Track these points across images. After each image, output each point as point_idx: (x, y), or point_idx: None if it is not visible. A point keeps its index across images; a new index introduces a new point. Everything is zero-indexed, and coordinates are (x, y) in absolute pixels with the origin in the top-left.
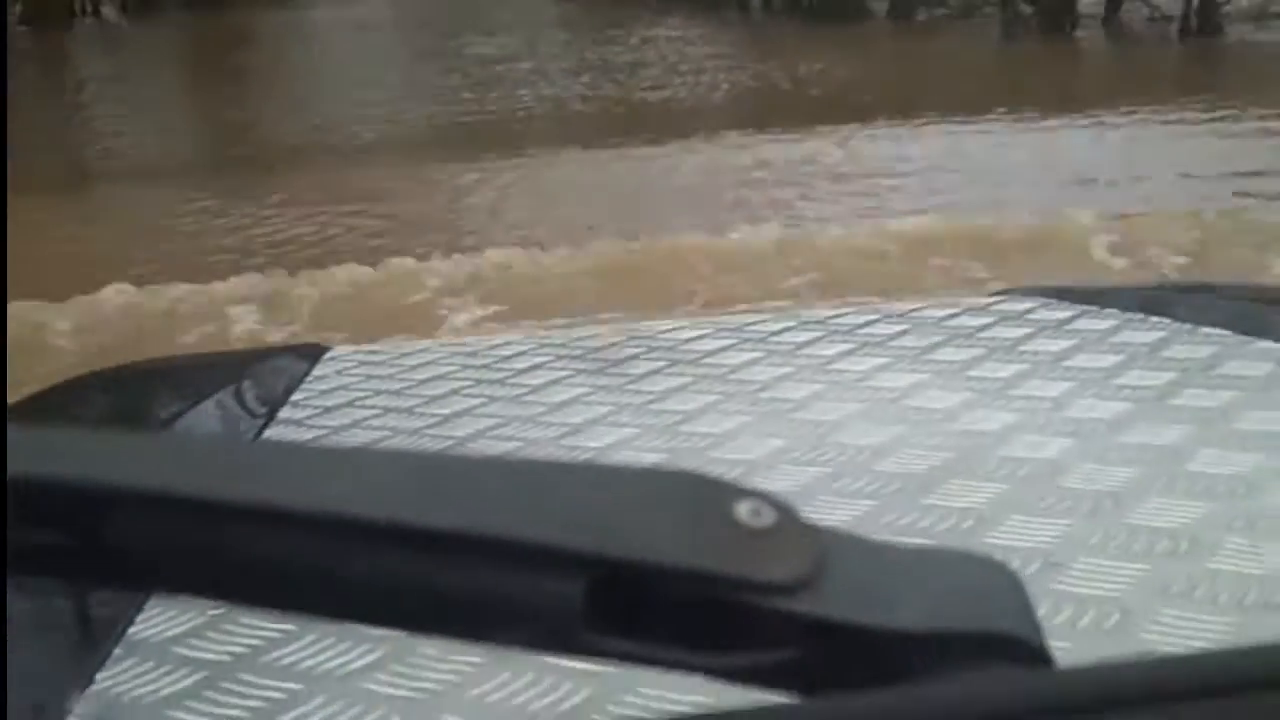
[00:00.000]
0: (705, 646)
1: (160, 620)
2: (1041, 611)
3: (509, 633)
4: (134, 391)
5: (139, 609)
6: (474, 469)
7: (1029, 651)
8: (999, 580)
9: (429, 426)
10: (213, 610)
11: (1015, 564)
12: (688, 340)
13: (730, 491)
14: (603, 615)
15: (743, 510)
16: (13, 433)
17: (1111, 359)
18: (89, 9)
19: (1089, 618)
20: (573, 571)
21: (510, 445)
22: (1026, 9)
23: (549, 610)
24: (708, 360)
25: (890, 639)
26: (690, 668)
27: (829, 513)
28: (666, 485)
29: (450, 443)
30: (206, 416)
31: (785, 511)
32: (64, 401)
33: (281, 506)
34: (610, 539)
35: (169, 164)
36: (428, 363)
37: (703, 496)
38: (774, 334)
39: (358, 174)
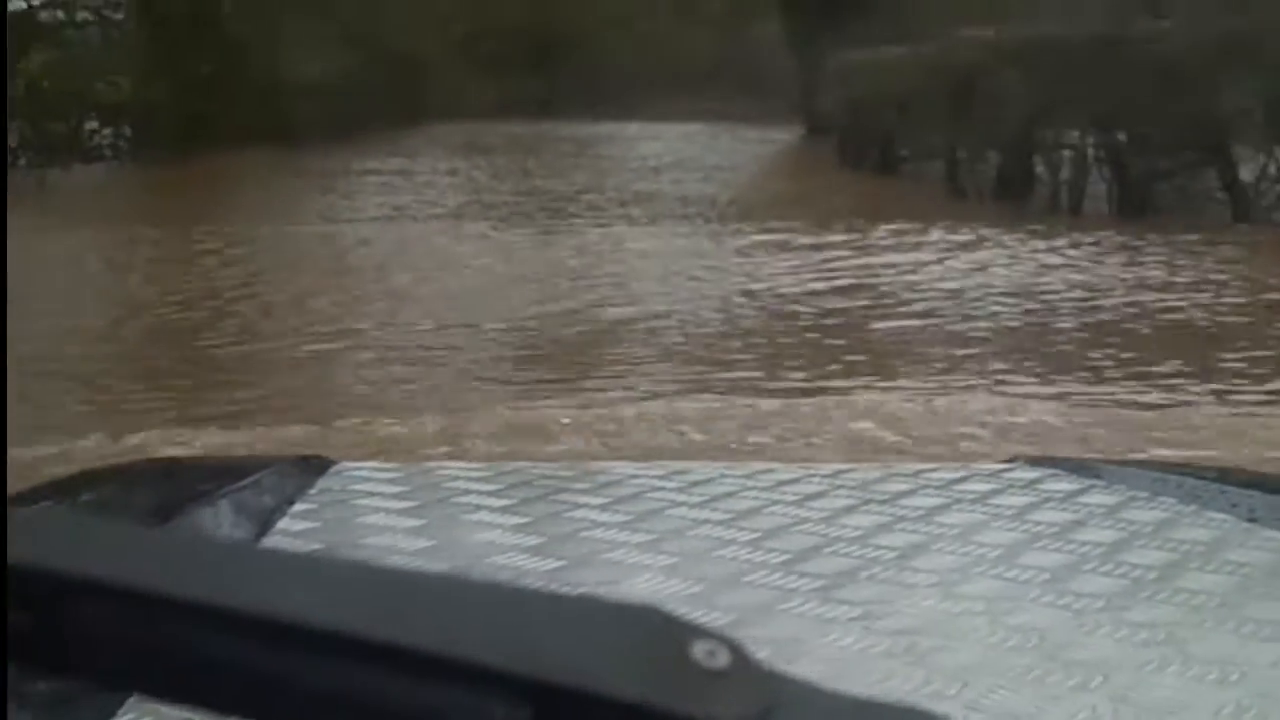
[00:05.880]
0: None
1: None
2: None
3: None
4: (138, 489)
5: (114, 713)
6: (438, 587)
7: None
8: None
9: (425, 548)
10: (188, 716)
11: None
12: (697, 482)
13: (689, 631)
14: None
15: (698, 650)
16: (9, 517)
17: (1114, 535)
18: None
19: None
20: (520, 696)
21: (503, 574)
22: None
23: None
24: (713, 504)
25: None
26: None
27: (812, 666)
28: (626, 619)
29: (443, 566)
30: (203, 520)
31: (740, 654)
32: (69, 493)
33: (229, 610)
34: (561, 666)
35: None
36: (432, 484)
37: (661, 633)
38: (781, 483)
39: None
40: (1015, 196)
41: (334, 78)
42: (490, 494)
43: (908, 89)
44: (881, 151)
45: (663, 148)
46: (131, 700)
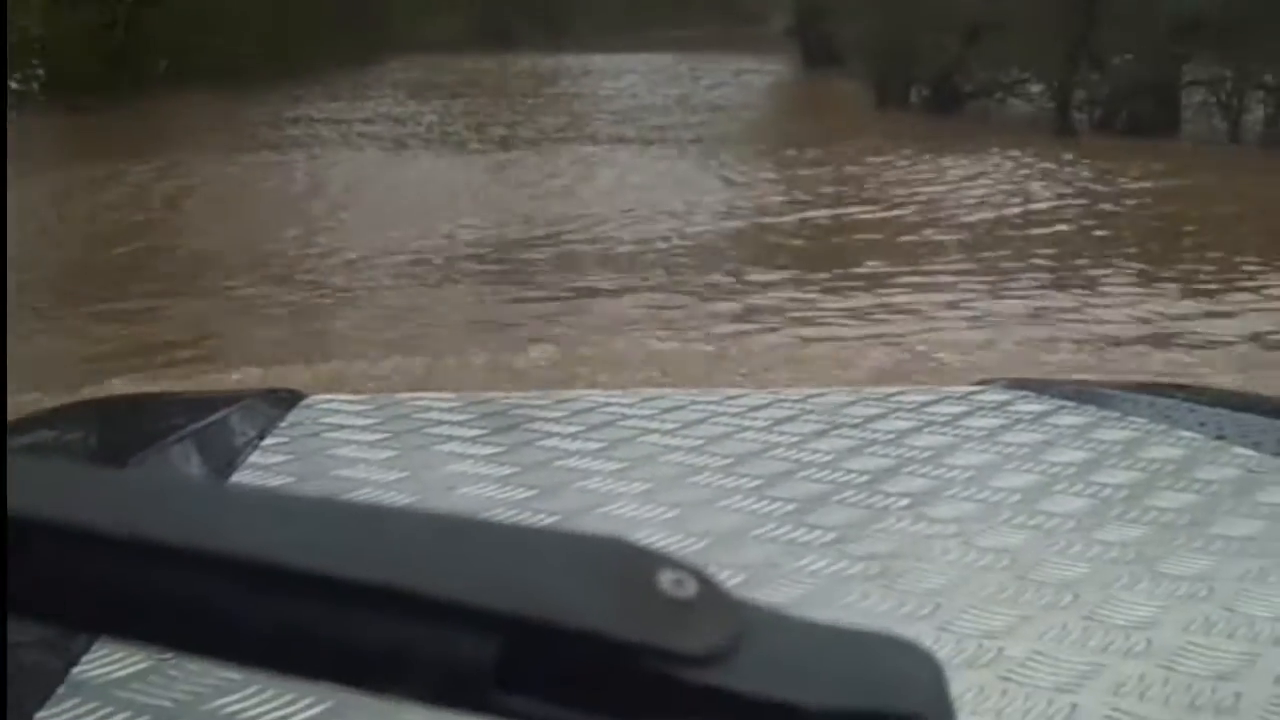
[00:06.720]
0: (615, 713)
1: (106, 662)
2: (990, 700)
3: (420, 687)
4: (105, 427)
5: (86, 649)
6: (401, 522)
7: None
8: (916, 663)
9: (397, 480)
10: (160, 655)
11: (967, 651)
12: (668, 409)
13: (655, 560)
14: (515, 676)
15: (665, 580)
16: None
17: (1083, 455)
18: None
19: (1038, 709)
20: (487, 630)
21: (476, 504)
22: None
23: (460, 667)
24: (684, 431)
25: (799, 716)
26: None
27: (784, 589)
28: (591, 550)
29: (416, 497)
30: (173, 456)
31: (707, 584)
32: (34, 433)
33: (191, 548)
34: (528, 600)
35: None
36: (403, 415)
37: (627, 564)
38: (752, 409)
39: None
40: (1154, 132)
41: (279, 8)
42: (461, 424)
43: (983, 11)
44: (935, 87)
45: (639, 83)
46: (100, 641)
